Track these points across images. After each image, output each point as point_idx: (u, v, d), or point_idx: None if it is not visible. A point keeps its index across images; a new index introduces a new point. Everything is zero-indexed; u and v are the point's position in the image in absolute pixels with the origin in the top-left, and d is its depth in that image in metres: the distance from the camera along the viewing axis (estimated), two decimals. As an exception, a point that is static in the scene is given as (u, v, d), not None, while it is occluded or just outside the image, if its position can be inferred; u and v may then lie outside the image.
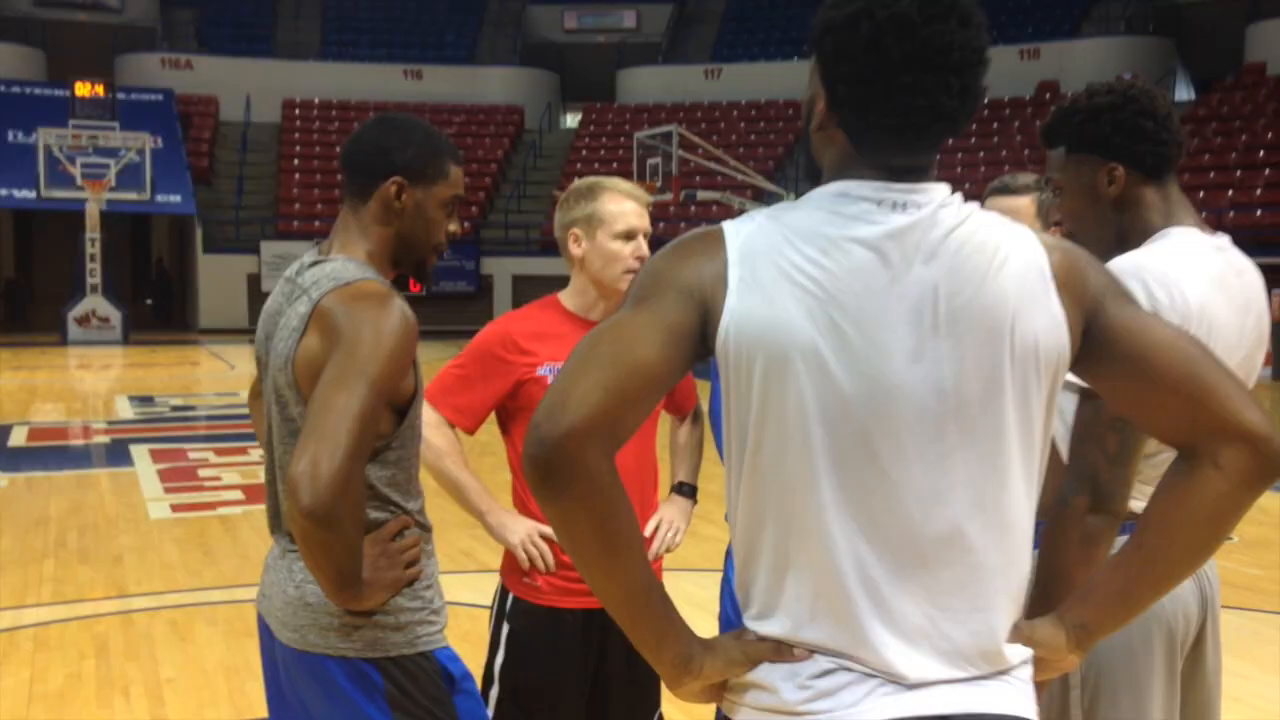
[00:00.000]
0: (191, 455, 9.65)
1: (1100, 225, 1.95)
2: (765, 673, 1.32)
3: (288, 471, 1.69)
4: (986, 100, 25.98)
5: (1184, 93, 27.31)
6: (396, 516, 1.89)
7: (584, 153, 28.61)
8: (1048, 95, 25.79)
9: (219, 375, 17.17)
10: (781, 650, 1.30)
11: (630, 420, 1.28)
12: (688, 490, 2.69)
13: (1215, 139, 21.63)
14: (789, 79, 28.93)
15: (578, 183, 2.61)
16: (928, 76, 1.25)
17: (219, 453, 9.73)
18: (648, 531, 2.56)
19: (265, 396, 1.97)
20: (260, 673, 4.61)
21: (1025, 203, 2.52)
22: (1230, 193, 19.82)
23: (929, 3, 1.25)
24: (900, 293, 1.26)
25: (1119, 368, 1.31)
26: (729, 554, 2.67)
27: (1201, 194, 20.01)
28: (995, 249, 1.30)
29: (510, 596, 2.55)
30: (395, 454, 1.88)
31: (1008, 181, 2.59)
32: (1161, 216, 1.93)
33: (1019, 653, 1.32)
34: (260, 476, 8.45)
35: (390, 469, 1.88)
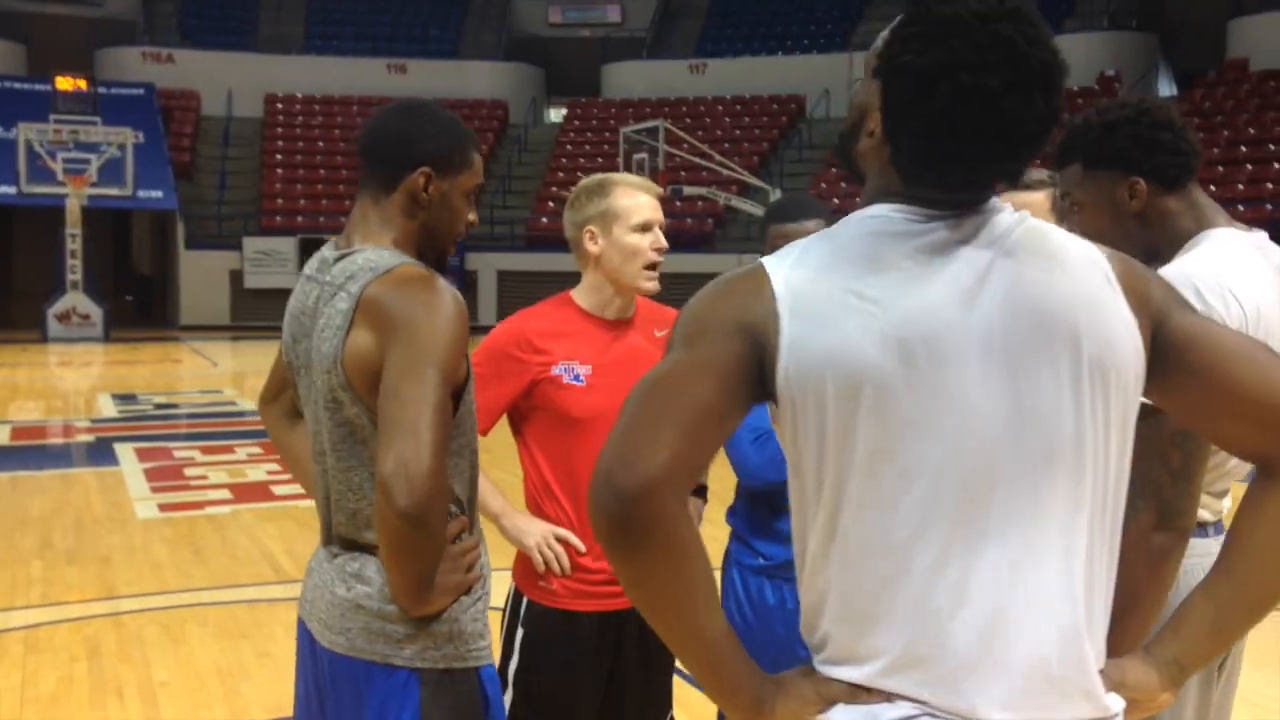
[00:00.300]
0: (177, 454, 9.58)
1: (1125, 240, 1.91)
2: (840, 715, 1.24)
3: (376, 473, 1.63)
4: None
5: (1166, 88, 27.40)
6: (455, 516, 1.83)
7: (569, 148, 28.54)
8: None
9: (202, 372, 17.06)
10: (858, 693, 1.23)
11: (702, 462, 1.22)
12: (700, 490, 2.68)
13: (1198, 135, 21.66)
14: (774, 74, 28.93)
15: (586, 181, 2.59)
16: (1000, 146, 1.19)
17: (205, 451, 9.66)
18: None
19: (305, 402, 1.90)
20: (254, 675, 4.57)
21: (1040, 198, 2.49)
22: (1213, 188, 19.91)
23: (1014, 68, 1.16)
24: (966, 312, 1.19)
25: (1191, 380, 1.24)
26: (728, 556, 2.67)
27: (1184, 189, 20.11)
28: (1057, 256, 1.24)
29: (524, 600, 2.53)
30: (455, 443, 1.82)
31: (1024, 178, 2.56)
32: (1193, 221, 1.91)
33: (1116, 702, 1.25)
34: (248, 476, 8.46)
35: (452, 459, 1.80)
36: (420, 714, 1.77)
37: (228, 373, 17.07)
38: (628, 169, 18.96)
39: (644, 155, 18.49)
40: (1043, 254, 1.23)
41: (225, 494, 7.95)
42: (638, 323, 2.56)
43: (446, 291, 1.74)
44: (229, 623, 5.10)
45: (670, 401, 1.18)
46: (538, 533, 2.42)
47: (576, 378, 2.43)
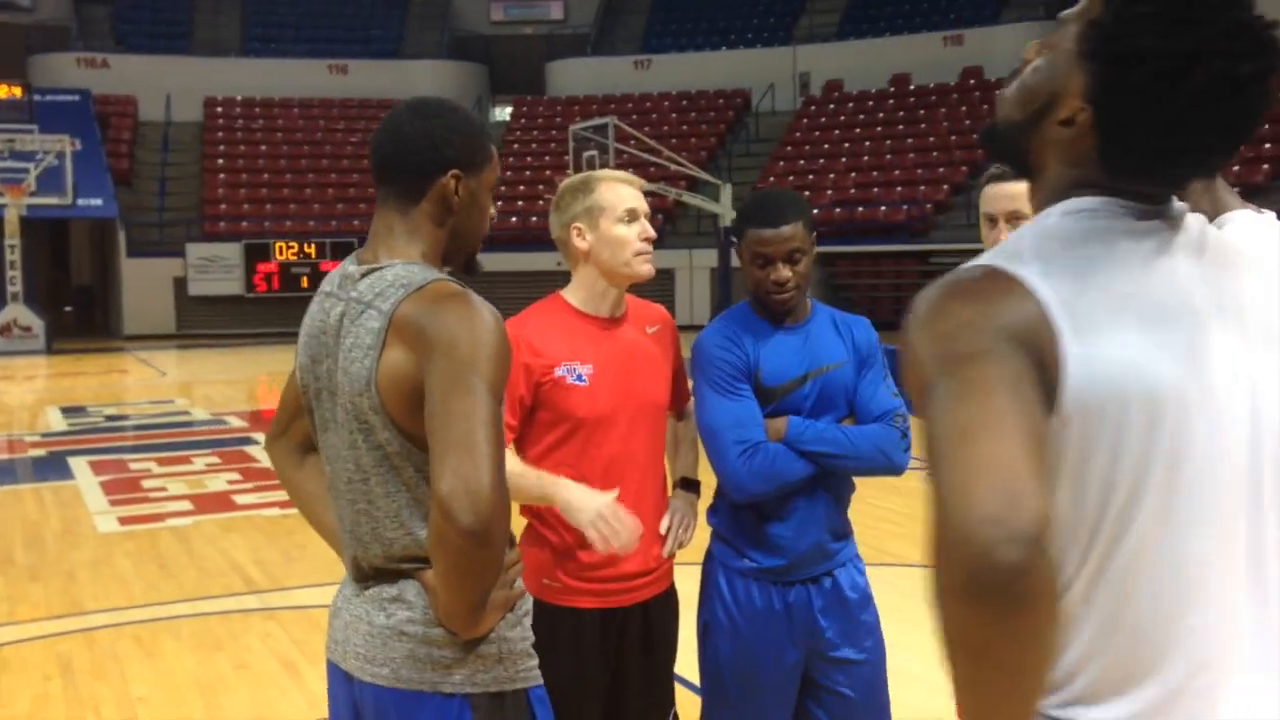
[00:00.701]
0: (133, 466, 9.43)
1: None
2: None
3: (434, 493, 1.52)
4: (911, 87, 25.95)
5: (1103, 76, 27.83)
6: None
7: (516, 146, 28.42)
8: (972, 81, 26.17)
9: (150, 382, 16.79)
10: None
11: None
12: (692, 485, 2.68)
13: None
14: (719, 69, 29.02)
15: (569, 181, 2.60)
16: (1237, 138, 1.13)
17: (161, 463, 9.51)
18: (663, 528, 2.55)
19: (325, 427, 1.79)
20: (234, 687, 4.53)
21: (1025, 187, 2.52)
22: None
23: (1258, 55, 1.09)
24: (1219, 317, 1.14)
25: None
26: (711, 558, 2.64)
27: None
28: (1257, 256, 1.21)
29: (529, 599, 2.52)
30: None
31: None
32: (1210, 205, 1.95)
33: None
34: (208, 486, 8.35)
35: None
36: None
37: (177, 382, 16.81)
38: (578, 166, 18.92)
39: (593, 153, 18.46)
40: (1245, 256, 1.20)
41: (186, 505, 7.84)
42: (630, 319, 2.57)
43: (484, 307, 1.66)
44: (204, 635, 5.04)
45: (1009, 426, 1.02)
46: (592, 508, 2.27)
47: (580, 378, 2.43)
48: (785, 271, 2.46)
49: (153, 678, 4.49)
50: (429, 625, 1.70)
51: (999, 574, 0.94)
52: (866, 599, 2.61)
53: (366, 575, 1.78)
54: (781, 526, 2.49)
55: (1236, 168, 19.44)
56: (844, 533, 2.60)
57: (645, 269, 2.50)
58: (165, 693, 4.33)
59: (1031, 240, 1.16)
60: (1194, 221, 1.19)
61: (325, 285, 1.85)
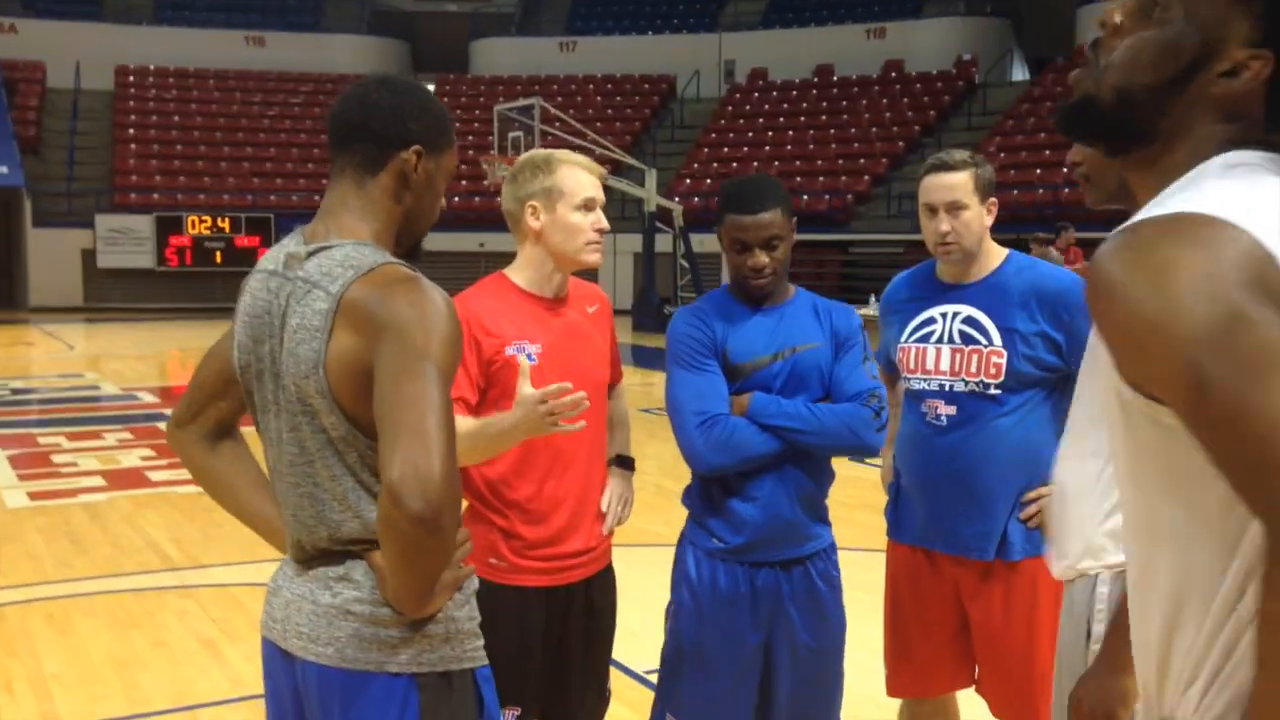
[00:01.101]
0: (41, 440, 9.16)
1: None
2: None
3: (384, 478, 1.49)
4: (835, 79, 26.13)
5: (1020, 73, 28.46)
6: None
7: (437, 125, 28.11)
8: (893, 74, 26.52)
9: (58, 355, 16.30)
10: None
11: None
12: (627, 463, 2.69)
13: (1049, 119, 22.62)
14: (645, 54, 29.00)
15: (530, 156, 2.59)
16: None
17: (71, 438, 9.26)
18: (604, 505, 2.56)
19: (266, 410, 1.75)
20: (151, 665, 4.43)
21: (963, 178, 2.58)
22: (1065, 170, 20.79)
23: None
24: None
25: None
26: (683, 538, 2.65)
27: (1038, 172, 20.92)
28: None
29: (475, 579, 2.51)
30: None
31: (944, 158, 2.62)
32: None
33: None
34: (121, 462, 8.15)
35: None
36: (420, 718, 1.67)
37: (85, 356, 16.35)
38: (503, 148, 18.77)
39: (519, 134, 18.33)
40: None
41: (99, 481, 7.65)
42: (572, 300, 2.57)
43: (435, 291, 1.63)
44: (118, 612, 4.93)
45: None
46: (530, 415, 2.20)
47: (530, 357, 2.41)
48: (763, 257, 2.48)
49: (66, 655, 4.38)
50: (376, 605, 1.68)
51: None
52: (836, 591, 2.62)
53: (311, 556, 1.75)
54: (748, 504, 2.50)
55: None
56: (818, 518, 2.59)
57: (594, 258, 2.51)
58: (79, 670, 4.23)
59: (1199, 190, 1.04)
60: None
61: (267, 263, 1.78)
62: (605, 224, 2.52)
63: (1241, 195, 1.02)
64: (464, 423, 2.35)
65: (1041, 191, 19.89)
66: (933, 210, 2.58)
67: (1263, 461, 0.92)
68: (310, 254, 1.70)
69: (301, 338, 1.65)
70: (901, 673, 2.79)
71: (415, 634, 1.67)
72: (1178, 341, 0.95)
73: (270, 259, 1.77)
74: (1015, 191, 19.76)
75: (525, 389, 2.21)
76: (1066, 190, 19.84)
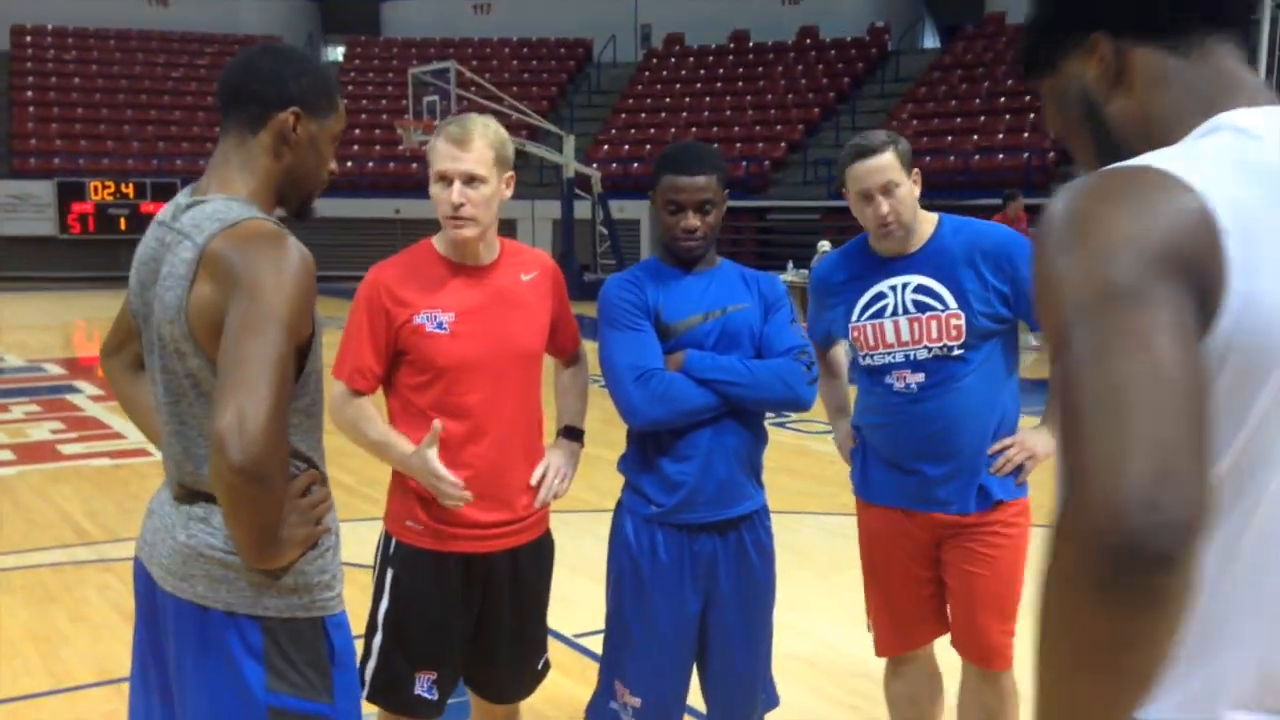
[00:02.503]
0: (-56, 414, 8.90)
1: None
2: None
3: (211, 427, 1.61)
4: (750, 44, 26.05)
5: (931, 40, 28.83)
6: (304, 470, 1.83)
7: (350, 88, 27.56)
8: (808, 41, 26.68)
9: (-44, 327, 15.78)
10: None
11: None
12: (575, 434, 2.69)
13: (960, 86, 22.98)
14: (561, 17, 28.75)
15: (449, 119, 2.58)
16: None
17: (-23, 410, 9.01)
18: (535, 479, 2.57)
19: (149, 350, 1.87)
20: (72, 639, 4.37)
21: (889, 158, 2.60)
22: (975, 137, 21.18)
23: None
24: None
25: None
26: (619, 507, 2.66)
27: (949, 139, 21.27)
28: None
29: (393, 541, 2.53)
30: (301, 401, 1.82)
31: (865, 143, 2.63)
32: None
33: None
34: (30, 435, 7.95)
35: (298, 416, 1.81)
36: (265, 662, 1.78)
37: (-14, 327, 15.85)
38: (418, 112, 18.53)
39: (434, 98, 18.11)
40: None
41: (7, 455, 7.46)
42: (502, 266, 2.55)
43: (294, 249, 1.72)
44: (36, 588, 4.85)
45: (1172, 389, 0.88)
46: (418, 471, 2.42)
47: (440, 325, 2.42)
48: (695, 220, 2.51)
49: (-17, 632, 4.30)
50: (229, 551, 1.78)
51: (1145, 566, 0.84)
52: (768, 557, 2.67)
53: (181, 492, 1.86)
54: (683, 463, 2.53)
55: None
56: (752, 478, 2.63)
57: (456, 233, 2.44)
58: (-2, 647, 4.17)
59: (1192, 142, 1.04)
60: None
61: (160, 214, 1.89)
62: (458, 198, 2.40)
63: (1196, 150, 1.01)
64: (373, 426, 2.47)
65: (953, 159, 20.22)
66: (868, 196, 2.61)
67: (1070, 438, 0.91)
68: (188, 206, 1.82)
69: (169, 285, 1.76)
70: (886, 628, 2.84)
71: (264, 581, 1.78)
72: (1063, 303, 0.94)
73: (163, 211, 1.89)
74: (928, 159, 20.08)
75: (430, 457, 2.37)
76: (977, 157, 20.22)
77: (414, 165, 23.98)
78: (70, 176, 23.76)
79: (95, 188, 23.68)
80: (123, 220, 23.62)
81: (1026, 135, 20.41)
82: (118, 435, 8.03)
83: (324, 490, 1.86)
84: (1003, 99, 21.83)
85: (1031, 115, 21.05)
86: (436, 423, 2.36)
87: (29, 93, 26.00)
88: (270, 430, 1.59)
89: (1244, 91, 1.08)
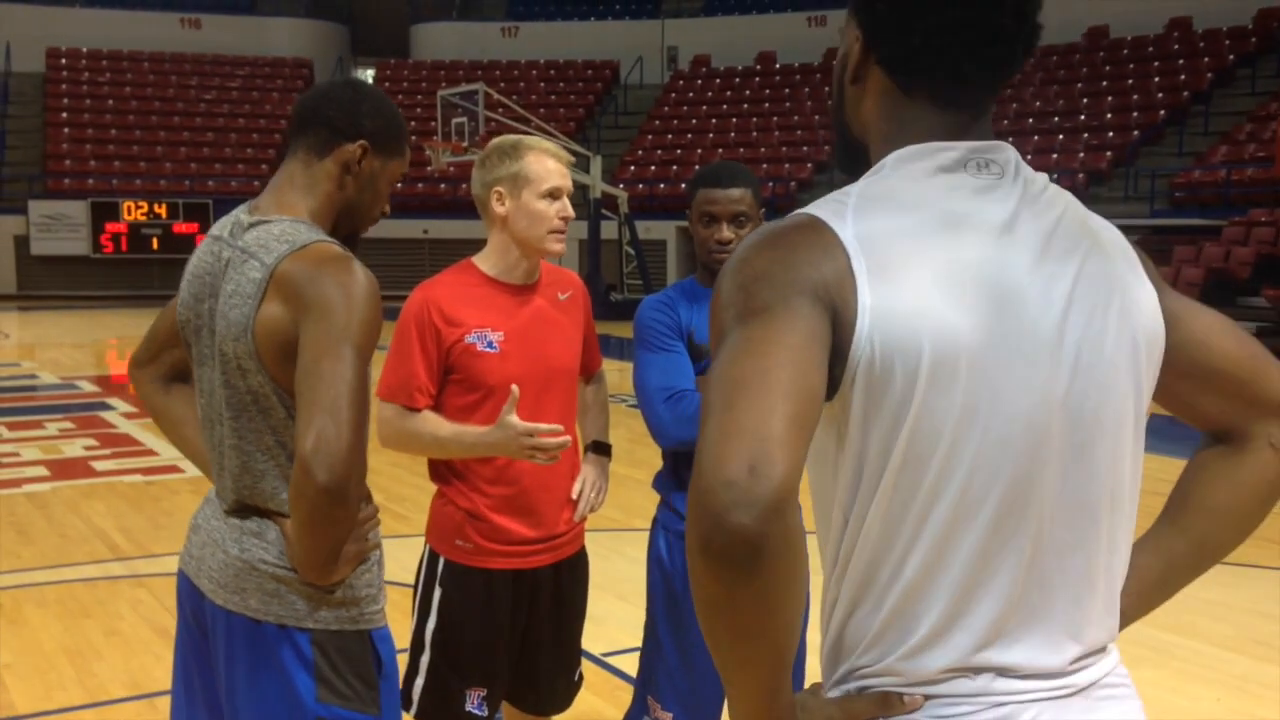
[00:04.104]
0: (-20, 430, 9.02)
1: None
2: None
3: (296, 450, 1.65)
4: (777, 66, 26.03)
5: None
6: None
7: (379, 110, 27.82)
8: (834, 61, 26.67)
9: (-8, 344, 16.00)
10: (890, 701, 1.12)
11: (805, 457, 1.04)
12: (604, 449, 2.73)
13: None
14: (588, 39, 28.94)
15: (499, 141, 2.60)
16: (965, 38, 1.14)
17: (11, 427, 9.12)
18: (574, 494, 2.60)
19: (202, 363, 1.89)
20: (105, 654, 4.42)
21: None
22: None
23: None
24: (1037, 275, 1.13)
25: (1173, 356, 1.22)
26: (655, 522, 2.67)
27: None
28: (1086, 218, 1.20)
29: (440, 560, 2.56)
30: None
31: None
32: None
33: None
34: (64, 452, 8.05)
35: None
36: (315, 674, 1.82)
37: (21, 344, 16.05)
38: (446, 133, 18.67)
39: (462, 120, 18.24)
40: (1080, 220, 1.20)
41: (42, 471, 7.55)
42: (542, 287, 2.60)
43: (361, 272, 1.76)
44: (69, 602, 4.90)
45: (776, 384, 1.02)
46: (511, 443, 2.35)
47: (490, 345, 2.46)
48: (728, 232, 2.53)
49: (18, 645, 4.36)
50: (280, 566, 1.82)
51: (729, 537, 0.97)
52: None
53: (233, 505, 1.88)
54: None
55: (1081, 154, 20.39)
56: None
57: (557, 247, 2.54)
58: (32, 660, 4.21)
59: (862, 185, 1.16)
60: (1032, 180, 1.18)
61: (215, 229, 1.92)
62: (570, 211, 2.55)
63: (870, 201, 1.13)
64: (440, 425, 2.45)
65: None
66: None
67: (699, 428, 1.06)
68: (251, 225, 1.84)
69: (235, 302, 1.79)
70: None
71: (316, 595, 1.82)
72: (716, 315, 1.11)
73: (219, 225, 1.92)
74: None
75: (511, 418, 2.32)
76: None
77: (442, 186, 24.13)
78: (104, 197, 24.06)
79: (128, 208, 23.96)
80: (155, 240, 23.89)
81: (1055, 156, 20.35)
82: (150, 452, 8.11)
83: (373, 506, 1.89)
84: (1030, 119, 21.80)
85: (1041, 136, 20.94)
86: (514, 388, 2.36)
87: (64, 114, 26.37)
88: (353, 450, 1.64)
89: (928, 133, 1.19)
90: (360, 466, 1.67)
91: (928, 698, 1.12)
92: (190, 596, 1.93)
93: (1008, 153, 1.18)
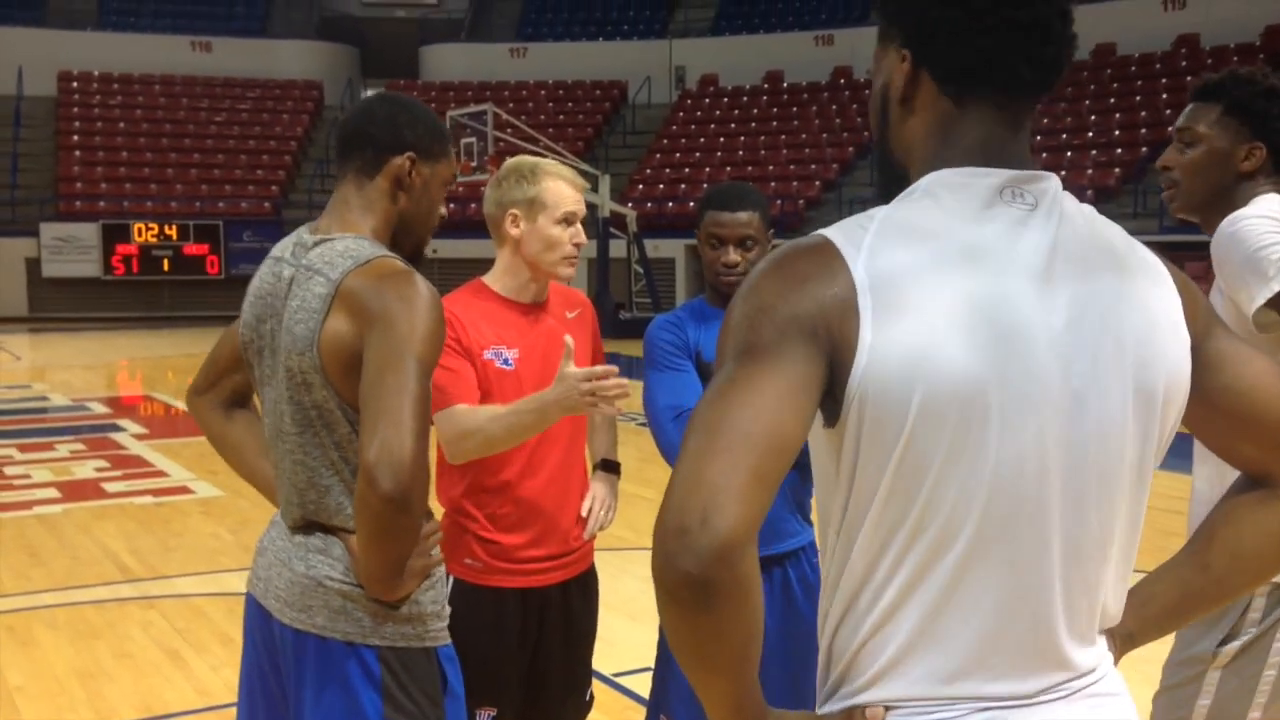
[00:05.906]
0: (-9, 452, 9.05)
1: (1210, 188, 2.19)
2: None
3: (360, 460, 1.66)
4: (784, 85, 26.14)
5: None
6: None
7: (388, 131, 27.97)
8: (842, 80, 26.80)
9: (4, 367, 16.05)
10: (853, 716, 1.15)
11: (772, 500, 1.06)
12: (612, 466, 2.73)
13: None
14: (596, 60, 29.07)
15: (515, 162, 2.61)
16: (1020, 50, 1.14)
17: (23, 449, 9.15)
18: (584, 512, 2.60)
19: (266, 382, 1.91)
20: (116, 676, 4.42)
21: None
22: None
23: None
24: (1052, 314, 1.12)
25: (1216, 398, 1.22)
26: None
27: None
28: (1127, 255, 1.18)
29: (451, 579, 2.55)
30: None
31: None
32: (1268, 183, 2.16)
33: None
34: (74, 473, 8.07)
35: None
36: (382, 691, 1.81)
37: (32, 366, 16.11)
38: (455, 153, 18.70)
39: (471, 140, 18.32)
40: (1118, 257, 1.19)
41: (53, 493, 7.57)
42: (551, 305, 2.62)
43: (424, 286, 1.78)
44: (80, 624, 4.91)
45: (751, 436, 1.04)
46: (570, 398, 2.29)
47: (506, 362, 2.47)
48: (735, 255, 2.53)
49: (29, 667, 4.36)
50: (347, 582, 1.83)
51: (677, 578, 1.02)
52: (813, 593, 2.65)
53: (299, 524, 1.89)
54: None
55: (1090, 171, 20.39)
56: (798, 517, 2.63)
57: (568, 271, 2.56)
58: (43, 683, 4.21)
59: (891, 208, 1.15)
60: (1071, 212, 1.17)
61: (276, 251, 1.95)
62: (583, 238, 2.57)
63: (900, 232, 1.12)
64: (491, 408, 2.41)
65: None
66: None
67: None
68: (315, 244, 1.87)
69: (300, 318, 1.81)
70: None
71: (383, 612, 1.82)
72: (721, 340, 1.13)
73: (281, 246, 1.95)
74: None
75: (569, 367, 2.30)
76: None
77: (451, 206, 24.20)
78: (115, 219, 24.20)
79: (139, 230, 24.09)
80: (166, 261, 24.01)
81: (1064, 173, 20.35)
82: (161, 473, 8.13)
83: (435, 522, 1.91)
84: (1039, 136, 21.83)
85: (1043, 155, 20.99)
86: (568, 337, 2.35)
87: (75, 137, 26.55)
88: (417, 459, 1.65)
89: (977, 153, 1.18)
90: (423, 476, 1.67)
91: (889, 709, 1.14)
92: (257, 617, 1.93)
93: (1046, 183, 1.16)
